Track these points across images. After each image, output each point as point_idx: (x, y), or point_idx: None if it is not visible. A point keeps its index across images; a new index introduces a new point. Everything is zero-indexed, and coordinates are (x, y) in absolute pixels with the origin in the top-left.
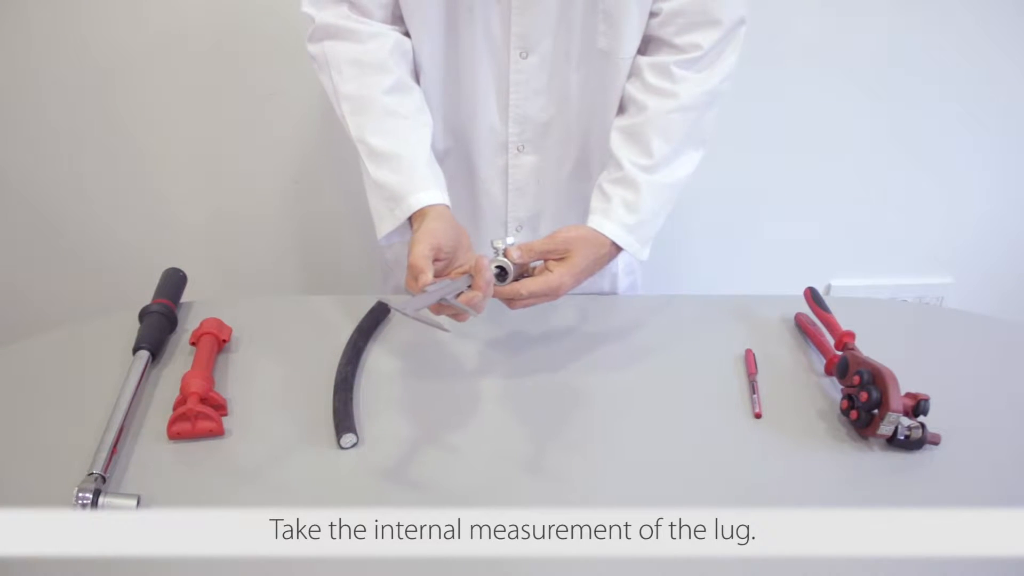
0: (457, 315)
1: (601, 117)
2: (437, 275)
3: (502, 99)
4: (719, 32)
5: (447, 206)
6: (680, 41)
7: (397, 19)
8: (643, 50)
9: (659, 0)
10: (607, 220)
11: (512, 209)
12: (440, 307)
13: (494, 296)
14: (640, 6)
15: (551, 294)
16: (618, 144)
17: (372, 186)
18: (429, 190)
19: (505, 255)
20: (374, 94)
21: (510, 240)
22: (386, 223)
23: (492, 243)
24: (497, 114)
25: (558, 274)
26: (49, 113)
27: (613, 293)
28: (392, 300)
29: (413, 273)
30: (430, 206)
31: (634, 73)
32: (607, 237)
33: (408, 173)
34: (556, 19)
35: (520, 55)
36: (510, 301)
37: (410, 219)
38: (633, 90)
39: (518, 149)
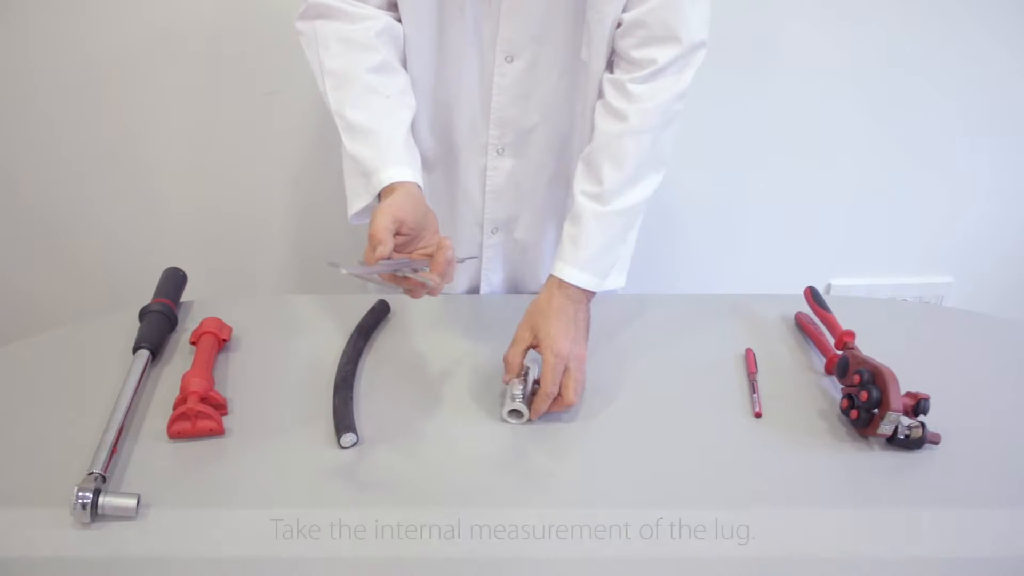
0: (411, 291)
1: (580, 128)
2: (397, 250)
3: (485, 101)
4: (677, 50)
5: (419, 185)
6: (638, 55)
7: (392, 7)
8: (609, 67)
9: (623, 10)
10: (559, 260)
11: (489, 211)
12: (395, 279)
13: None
14: (615, 19)
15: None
16: (577, 174)
17: (347, 160)
18: (402, 167)
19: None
20: (358, 71)
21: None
22: (359, 199)
23: (511, 391)
24: (479, 115)
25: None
26: (49, 113)
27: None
28: (336, 260)
29: (372, 244)
30: (400, 182)
31: (600, 93)
32: (556, 277)
33: (384, 149)
34: (542, 27)
35: (505, 59)
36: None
37: (380, 197)
38: (596, 113)
39: (497, 152)
